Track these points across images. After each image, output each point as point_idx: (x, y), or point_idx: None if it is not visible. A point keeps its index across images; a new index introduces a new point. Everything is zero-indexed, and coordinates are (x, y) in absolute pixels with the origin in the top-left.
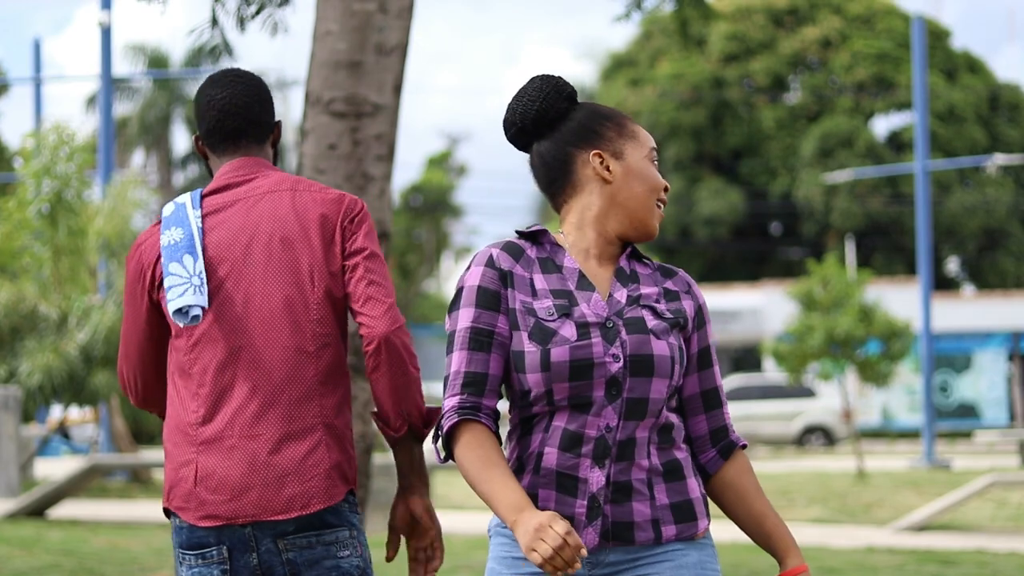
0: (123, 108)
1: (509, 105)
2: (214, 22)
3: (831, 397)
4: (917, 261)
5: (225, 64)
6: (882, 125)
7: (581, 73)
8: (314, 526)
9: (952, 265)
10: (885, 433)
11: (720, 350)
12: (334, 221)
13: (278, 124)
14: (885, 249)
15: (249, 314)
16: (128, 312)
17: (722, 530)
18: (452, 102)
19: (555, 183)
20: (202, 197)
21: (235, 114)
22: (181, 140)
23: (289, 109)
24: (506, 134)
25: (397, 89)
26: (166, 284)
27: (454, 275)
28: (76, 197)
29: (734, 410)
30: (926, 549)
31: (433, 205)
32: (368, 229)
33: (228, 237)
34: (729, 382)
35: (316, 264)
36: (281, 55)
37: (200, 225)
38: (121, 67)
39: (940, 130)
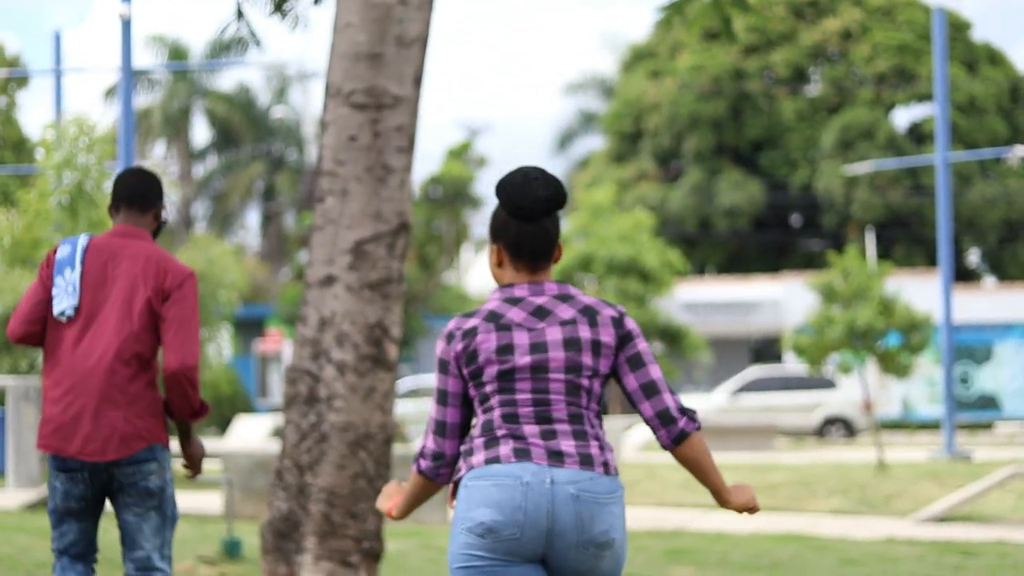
0: (143, 100)
1: (528, 188)
2: (239, 15)
3: (851, 389)
4: (938, 253)
5: (250, 55)
6: (903, 117)
7: (602, 65)
8: (133, 462)
9: (973, 257)
10: (905, 424)
11: (740, 341)
12: (162, 281)
13: (159, 207)
14: (905, 241)
15: (98, 326)
16: (37, 288)
17: (744, 521)
18: (472, 94)
19: (553, 247)
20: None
21: (135, 193)
22: (201, 132)
23: (309, 101)
24: (533, 212)
25: (417, 81)
26: (54, 291)
27: (473, 267)
28: (96, 189)
29: (754, 401)
30: (946, 540)
31: (453, 196)
32: (185, 291)
33: (99, 267)
34: (749, 374)
35: (143, 303)
36: (302, 47)
37: (85, 246)
38: (142, 59)
39: (961, 122)
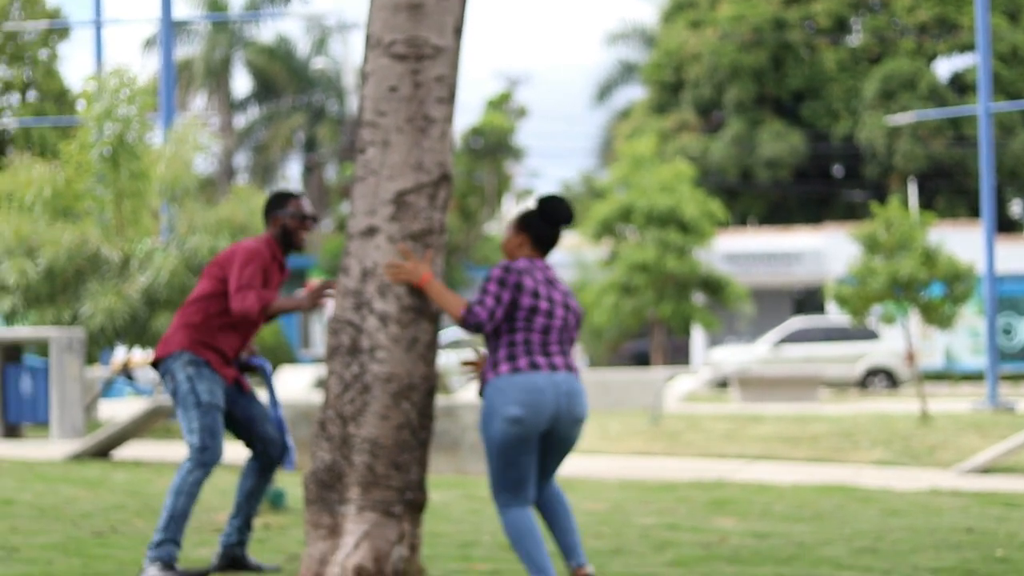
0: (183, 51)
1: (561, 208)
2: None
3: (894, 340)
4: (980, 203)
5: (290, 6)
6: (944, 67)
7: (642, 15)
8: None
9: (1015, 207)
10: (948, 375)
11: (782, 292)
12: (225, 257)
13: (277, 218)
14: (948, 191)
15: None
16: None
17: (786, 472)
18: (512, 44)
19: (556, 243)
20: None
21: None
22: (241, 83)
23: (349, 52)
24: (558, 223)
25: (458, 31)
26: None
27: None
28: (138, 140)
29: (797, 352)
30: (990, 491)
31: (493, 147)
32: (237, 262)
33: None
34: (791, 324)
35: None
36: None
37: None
38: (180, 10)
39: (1003, 71)
